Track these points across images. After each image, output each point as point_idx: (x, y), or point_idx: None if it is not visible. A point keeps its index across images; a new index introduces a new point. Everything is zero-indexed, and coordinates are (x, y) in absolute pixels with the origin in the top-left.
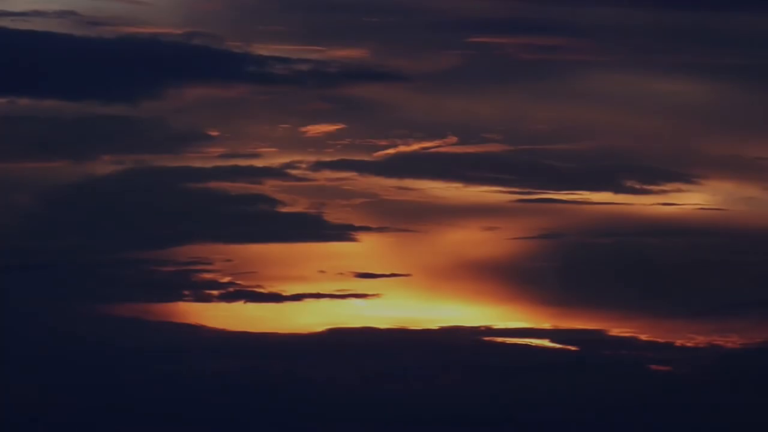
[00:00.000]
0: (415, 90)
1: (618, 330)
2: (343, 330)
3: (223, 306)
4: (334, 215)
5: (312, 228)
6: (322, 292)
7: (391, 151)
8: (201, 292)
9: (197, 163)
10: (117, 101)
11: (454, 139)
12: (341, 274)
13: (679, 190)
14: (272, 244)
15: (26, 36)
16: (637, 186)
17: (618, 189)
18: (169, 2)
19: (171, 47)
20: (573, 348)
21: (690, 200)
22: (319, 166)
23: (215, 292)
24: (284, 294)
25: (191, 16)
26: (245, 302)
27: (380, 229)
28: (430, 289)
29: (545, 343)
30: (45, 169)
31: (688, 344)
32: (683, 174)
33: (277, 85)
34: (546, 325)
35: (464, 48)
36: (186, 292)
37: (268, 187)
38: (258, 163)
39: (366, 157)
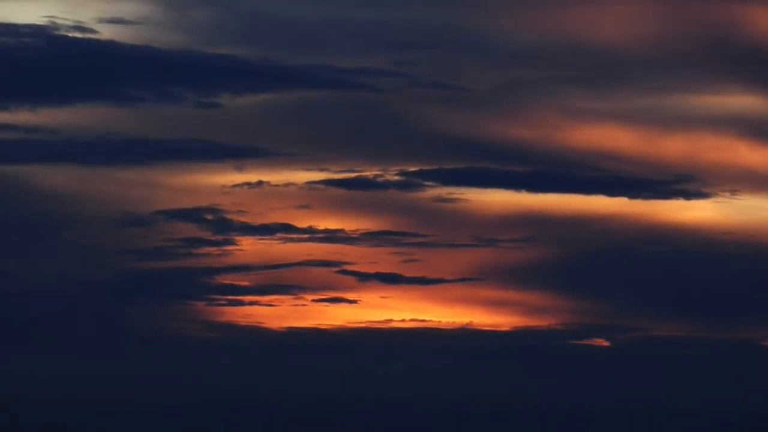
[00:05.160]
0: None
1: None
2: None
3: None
4: (399, 222)
5: (375, 236)
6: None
7: (461, 164)
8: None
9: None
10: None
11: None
12: (420, 277)
13: (731, 199)
14: (339, 248)
15: (85, 45)
16: (689, 194)
17: (669, 197)
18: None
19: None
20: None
21: (731, 211)
22: (383, 173)
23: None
24: (351, 299)
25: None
26: (326, 304)
27: (450, 236)
28: (500, 293)
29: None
30: (111, 174)
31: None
32: (727, 186)
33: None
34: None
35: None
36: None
37: (333, 195)
38: (325, 173)
39: (428, 168)
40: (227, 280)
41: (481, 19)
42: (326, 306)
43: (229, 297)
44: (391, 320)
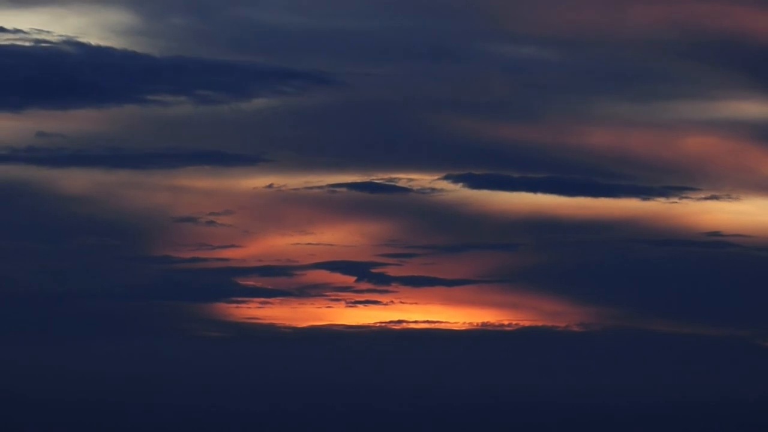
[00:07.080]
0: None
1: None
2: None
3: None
4: (420, 225)
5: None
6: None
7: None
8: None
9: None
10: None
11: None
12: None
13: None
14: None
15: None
16: (691, 198)
17: (674, 199)
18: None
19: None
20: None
21: (743, 213)
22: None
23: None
24: (371, 300)
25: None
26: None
27: (469, 240)
28: (519, 295)
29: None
30: (135, 179)
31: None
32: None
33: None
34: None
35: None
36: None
37: (355, 198)
38: (347, 176)
39: (449, 173)
40: (247, 281)
41: (497, 24)
42: (348, 308)
43: (249, 298)
44: (411, 321)
